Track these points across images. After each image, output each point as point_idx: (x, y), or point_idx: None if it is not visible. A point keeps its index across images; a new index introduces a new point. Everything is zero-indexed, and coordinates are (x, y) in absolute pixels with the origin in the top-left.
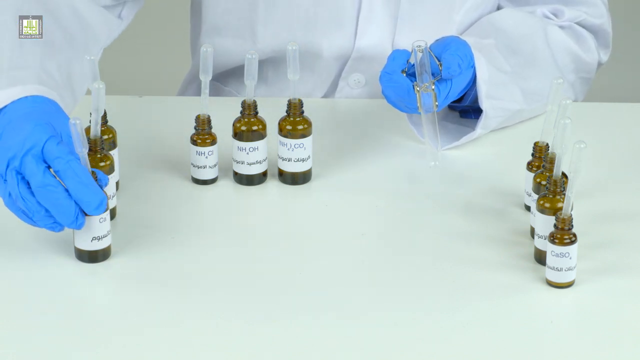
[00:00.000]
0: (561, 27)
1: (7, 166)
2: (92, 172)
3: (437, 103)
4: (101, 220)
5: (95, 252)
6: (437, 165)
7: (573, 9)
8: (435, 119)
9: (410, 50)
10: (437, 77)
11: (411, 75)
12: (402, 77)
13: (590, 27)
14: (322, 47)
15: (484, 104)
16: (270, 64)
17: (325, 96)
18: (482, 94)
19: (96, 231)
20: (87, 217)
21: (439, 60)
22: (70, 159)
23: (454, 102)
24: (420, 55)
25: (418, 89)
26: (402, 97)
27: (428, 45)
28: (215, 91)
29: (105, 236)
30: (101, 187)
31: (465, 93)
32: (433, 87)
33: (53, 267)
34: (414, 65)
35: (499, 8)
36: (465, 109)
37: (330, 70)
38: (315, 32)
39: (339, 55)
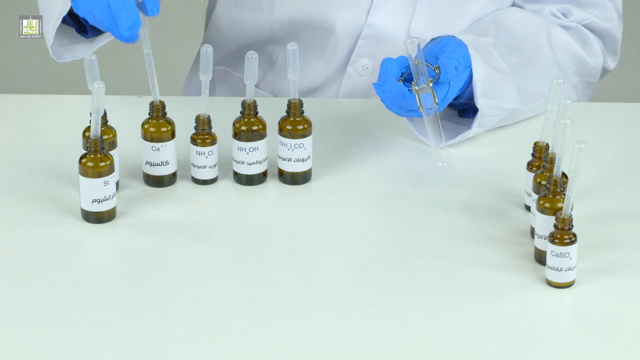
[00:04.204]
0: (567, 27)
1: None
2: None
3: (437, 101)
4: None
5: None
6: (444, 165)
7: (583, 10)
8: (437, 119)
9: (404, 55)
10: (434, 78)
11: (408, 81)
12: (393, 84)
13: (598, 30)
14: (336, 21)
15: (479, 102)
16: (282, 47)
17: (331, 82)
18: (477, 92)
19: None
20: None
21: (436, 64)
22: None
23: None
24: (414, 54)
25: (417, 88)
26: (399, 102)
27: (420, 44)
28: (225, 77)
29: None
30: (146, 12)
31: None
32: (431, 84)
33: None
34: (409, 69)
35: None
36: (464, 109)
37: (340, 51)
38: (331, 4)
39: (351, 33)
